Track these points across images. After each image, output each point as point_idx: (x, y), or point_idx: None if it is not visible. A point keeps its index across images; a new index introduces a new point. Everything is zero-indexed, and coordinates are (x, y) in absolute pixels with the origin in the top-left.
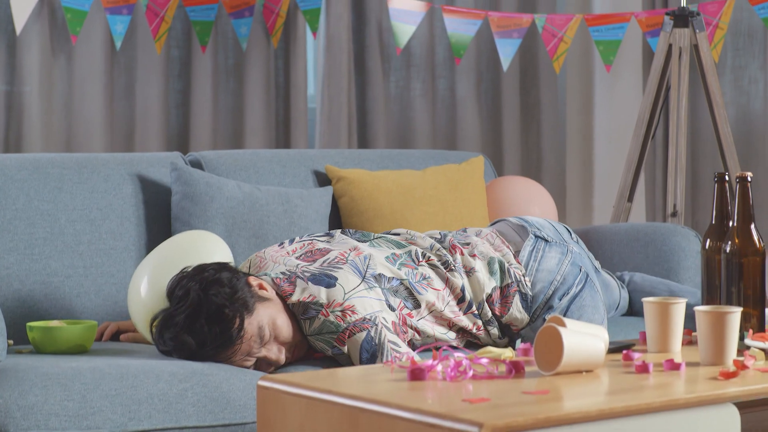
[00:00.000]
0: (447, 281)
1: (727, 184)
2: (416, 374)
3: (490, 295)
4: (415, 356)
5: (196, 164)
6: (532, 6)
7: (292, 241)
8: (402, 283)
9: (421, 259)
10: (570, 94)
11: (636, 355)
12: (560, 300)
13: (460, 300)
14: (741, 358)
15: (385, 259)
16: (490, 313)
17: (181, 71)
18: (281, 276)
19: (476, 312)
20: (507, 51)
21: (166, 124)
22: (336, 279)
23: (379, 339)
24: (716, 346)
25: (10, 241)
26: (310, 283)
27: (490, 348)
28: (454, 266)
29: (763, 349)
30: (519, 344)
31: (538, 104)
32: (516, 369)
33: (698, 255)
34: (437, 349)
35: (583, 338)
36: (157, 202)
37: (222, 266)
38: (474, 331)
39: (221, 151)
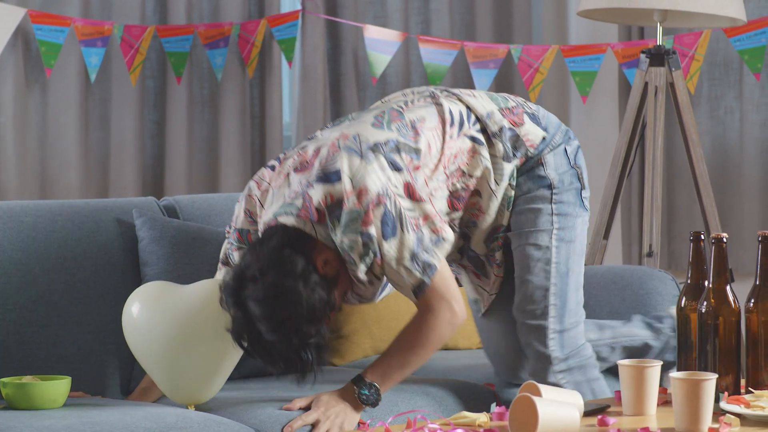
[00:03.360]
0: (439, 112)
1: (702, 243)
2: None
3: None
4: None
5: (170, 209)
6: (508, 36)
7: (279, 160)
8: (398, 141)
9: (406, 105)
10: None
11: (611, 421)
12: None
13: (459, 122)
14: (716, 425)
15: (372, 125)
16: (501, 124)
17: (156, 102)
18: (301, 210)
19: (479, 127)
20: (483, 81)
21: (142, 154)
22: (339, 170)
23: (395, 209)
24: (691, 412)
25: None
26: (320, 184)
27: (465, 413)
28: (442, 94)
29: (738, 414)
30: (494, 408)
31: None
32: None
33: (675, 299)
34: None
35: (558, 408)
36: (132, 248)
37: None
38: (472, 164)
39: (195, 196)
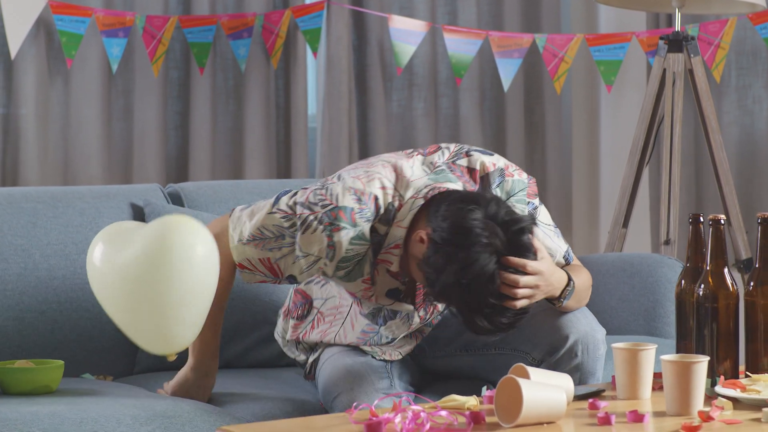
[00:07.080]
0: None
1: (701, 226)
2: (373, 428)
3: None
4: None
5: (175, 196)
6: (536, 25)
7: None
8: None
9: None
10: (575, 114)
11: (602, 404)
12: None
13: None
14: (707, 409)
15: None
16: None
17: (180, 93)
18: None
19: None
20: (508, 71)
21: (165, 146)
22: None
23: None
24: (682, 395)
25: None
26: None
27: (454, 396)
28: None
29: (731, 398)
30: (485, 391)
31: (542, 124)
32: (475, 421)
33: None
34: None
35: (544, 390)
36: None
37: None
38: None
39: (201, 183)
